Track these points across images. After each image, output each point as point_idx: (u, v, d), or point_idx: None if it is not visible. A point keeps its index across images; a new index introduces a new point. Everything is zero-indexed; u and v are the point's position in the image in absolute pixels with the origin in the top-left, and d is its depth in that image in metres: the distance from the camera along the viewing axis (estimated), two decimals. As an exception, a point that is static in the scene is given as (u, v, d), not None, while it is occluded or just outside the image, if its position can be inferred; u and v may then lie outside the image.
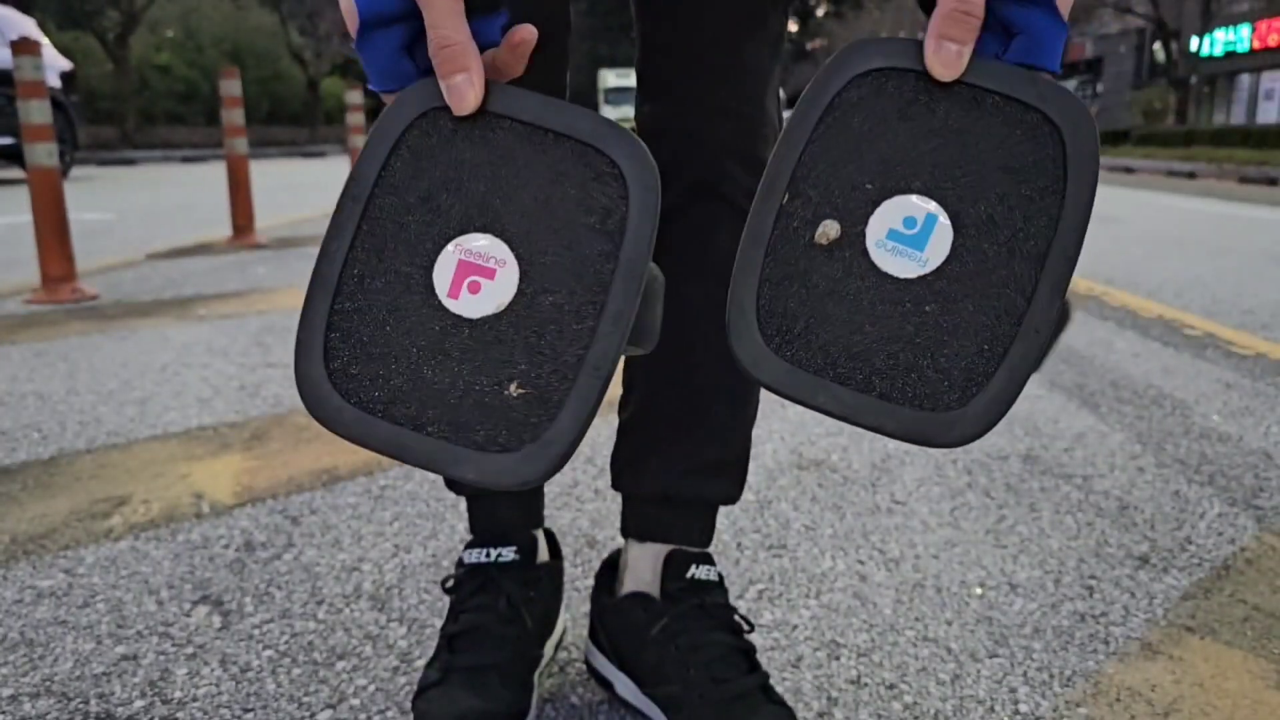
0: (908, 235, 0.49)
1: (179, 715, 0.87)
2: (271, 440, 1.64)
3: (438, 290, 0.49)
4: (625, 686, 0.88)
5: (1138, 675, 0.97)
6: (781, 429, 1.74)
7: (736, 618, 0.87)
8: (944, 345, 0.48)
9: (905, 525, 1.32)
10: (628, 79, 34.60)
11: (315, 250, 4.54)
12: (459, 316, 0.49)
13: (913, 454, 1.62)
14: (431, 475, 1.48)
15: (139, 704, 0.89)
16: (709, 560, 0.89)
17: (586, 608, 1.04)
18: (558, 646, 0.96)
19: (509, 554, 0.88)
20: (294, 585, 1.13)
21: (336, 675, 0.94)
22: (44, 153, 2.95)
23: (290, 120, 23.49)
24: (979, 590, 1.14)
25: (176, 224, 5.30)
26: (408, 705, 0.89)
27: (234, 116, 4.40)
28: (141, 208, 6.40)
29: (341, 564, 1.18)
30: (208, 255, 3.95)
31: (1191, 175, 13.08)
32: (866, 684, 0.94)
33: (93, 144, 14.30)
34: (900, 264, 0.49)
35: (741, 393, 0.88)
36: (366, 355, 0.49)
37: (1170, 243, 5.05)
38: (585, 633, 0.96)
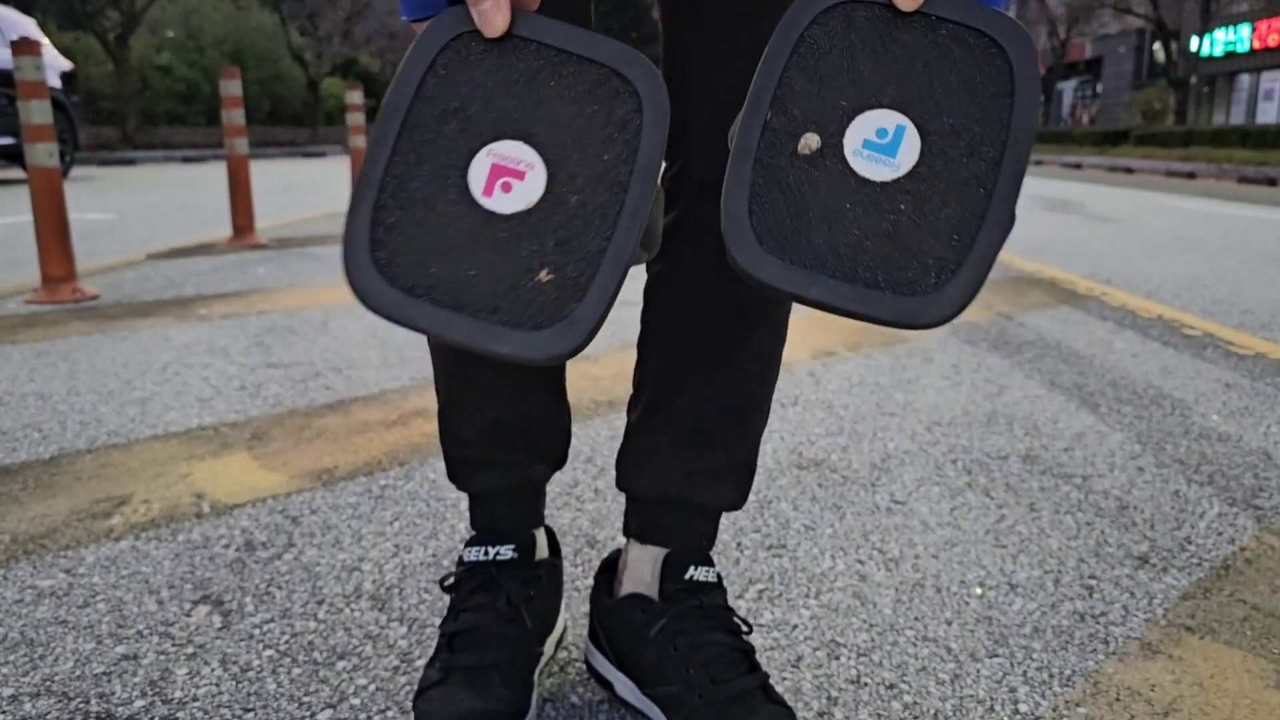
0: (881, 144, 0.55)
1: (179, 715, 0.88)
2: (272, 440, 1.64)
3: (473, 189, 0.55)
4: (625, 686, 0.89)
5: (1137, 675, 0.97)
6: (781, 429, 1.74)
7: (735, 619, 0.87)
8: (918, 238, 0.54)
9: (905, 525, 1.33)
10: None
11: (316, 250, 4.54)
12: (493, 212, 0.55)
13: (912, 454, 1.62)
14: (431, 475, 1.48)
15: (139, 704, 0.89)
16: (708, 561, 0.89)
17: (586, 607, 1.04)
18: (558, 645, 0.96)
19: (508, 552, 0.88)
20: (294, 585, 1.13)
21: (337, 675, 0.94)
22: (44, 153, 2.95)
23: (291, 120, 23.50)
24: (979, 590, 1.14)
25: (177, 224, 5.31)
26: (408, 705, 0.89)
27: (234, 117, 4.40)
28: (142, 208, 6.40)
29: (342, 564, 1.18)
30: (208, 255, 3.96)
31: (1191, 175, 13.08)
32: (866, 683, 0.95)
33: (93, 144, 14.30)
34: (876, 169, 0.55)
35: (754, 402, 0.88)
36: (408, 245, 0.55)
37: (1170, 243, 5.05)
38: (585, 632, 0.96)
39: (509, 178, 0.55)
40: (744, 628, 0.87)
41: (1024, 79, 0.56)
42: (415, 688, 0.84)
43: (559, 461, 0.91)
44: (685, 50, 0.82)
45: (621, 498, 1.38)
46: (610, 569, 0.93)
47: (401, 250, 0.55)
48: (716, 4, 0.78)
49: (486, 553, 0.88)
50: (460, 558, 0.90)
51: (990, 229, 0.54)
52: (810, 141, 0.56)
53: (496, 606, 0.85)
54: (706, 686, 0.81)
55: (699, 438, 0.87)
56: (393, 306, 0.54)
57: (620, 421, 1.76)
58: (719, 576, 0.89)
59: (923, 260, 0.54)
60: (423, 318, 0.55)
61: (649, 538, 0.89)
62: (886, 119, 0.56)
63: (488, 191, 0.55)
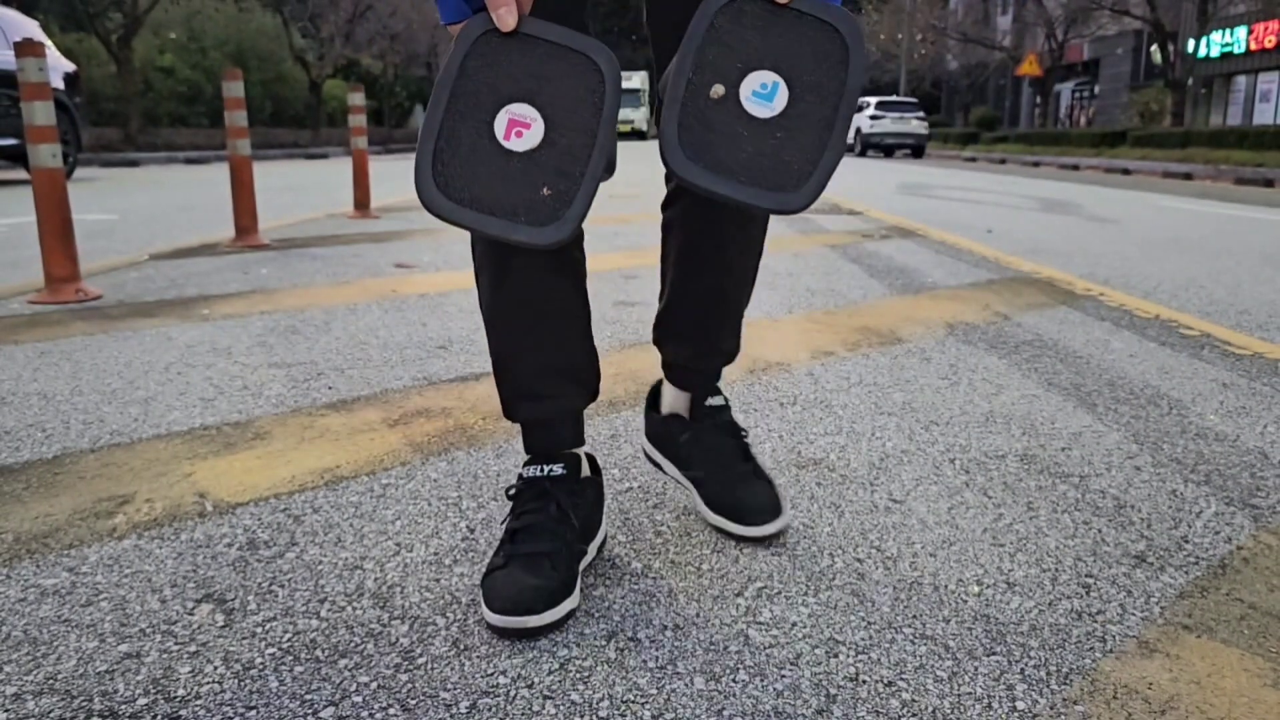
0: (763, 93, 0.88)
1: (182, 713, 0.88)
2: (274, 439, 1.65)
3: (497, 136, 0.87)
4: (670, 469, 1.35)
5: (1134, 673, 0.97)
6: (780, 429, 1.75)
7: (738, 428, 1.33)
8: (789, 154, 0.87)
9: (903, 524, 1.33)
10: (629, 82, 34.59)
11: (319, 251, 4.55)
12: (511, 151, 0.87)
13: (910, 453, 1.63)
14: (433, 475, 1.49)
15: (142, 702, 0.90)
16: (717, 391, 1.33)
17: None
18: (600, 548, 1.21)
19: (558, 470, 1.14)
20: (296, 583, 1.14)
21: (339, 673, 0.95)
22: (48, 154, 2.96)
23: (293, 122, 23.51)
24: (976, 588, 1.15)
25: (180, 225, 5.32)
26: (410, 703, 0.90)
27: (237, 118, 4.41)
28: (145, 209, 6.41)
29: (344, 562, 1.19)
30: (211, 256, 3.96)
31: (1188, 176, 13.06)
32: (865, 681, 0.95)
33: (96, 145, 14.31)
34: (760, 110, 0.87)
35: (733, 301, 1.29)
36: (457, 172, 0.86)
37: (1167, 244, 5.05)
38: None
39: (520, 128, 0.87)
40: (744, 431, 1.33)
41: (855, 52, 0.87)
42: (484, 571, 1.09)
43: (594, 394, 1.19)
44: (670, 54, 1.09)
45: (620, 497, 1.41)
46: (655, 395, 1.40)
47: (453, 175, 0.86)
48: (687, 20, 1.04)
49: (541, 470, 1.14)
50: (520, 475, 1.15)
51: (831, 152, 0.87)
52: (718, 90, 0.87)
53: (549, 510, 1.10)
54: (719, 470, 1.29)
55: (703, 324, 1.29)
56: (448, 210, 0.86)
57: (620, 421, 1.76)
58: (726, 398, 1.34)
59: (789, 170, 0.87)
60: (468, 219, 0.86)
61: (676, 384, 1.34)
62: (767, 76, 0.87)
63: (506, 137, 0.86)
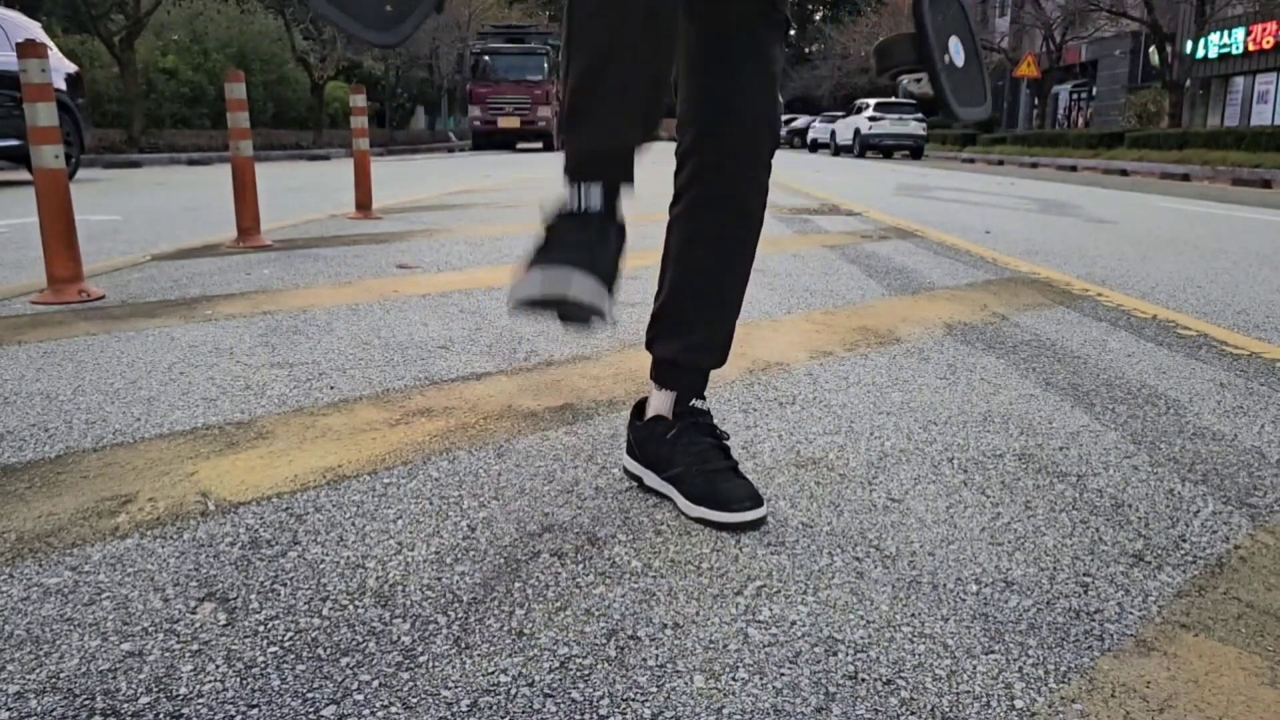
0: (955, 51, 1.27)
1: (184, 711, 0.89)
2: (277, 439, 1.66)
3: None
4: (650, 478, 1.41)
5: (1132, 671, 0.98)
6: (779, 428, 1.75)
7: (718, 430, 1.40)
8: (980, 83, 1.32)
9: (902, 523, 1.34)
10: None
11: (321, 251, 4.54)
12: None
13: (909, 453, 1.63)
14: (434, 474, 1.49)
15: (144, 700, 0.90)
16: (702, 396, 1.40)
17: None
18: (618, 277, 1.13)
19: (597, 206, 1.13)
20: (299, 582, 1.14)
21: (341, 671, 0.96)
22: (51, 155, 2.97)
23: (295, 123, 23.50)
24: (975, 587, 1.15)
25: (183, 225, 5.32)
26: (412, 700, 0.91)
27: (239, 119, 4.42)
28: (148, 209, 6.42)
29: (346, 561, 1.20)
30: (214, 256, 3.97)
31: (1186, 178, 13.06)
32: (864, 679, 0.96)
33: (99, 147, 14.32)
34: (959, 59, 1.30)
35: (729, 301, 1.37)
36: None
37: (1164, 244, 5.05)
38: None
39: None
40: (725, 434, 1.40)
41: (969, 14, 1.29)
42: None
43: (651, 133, 1.13)
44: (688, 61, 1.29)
45: (620, 496, 1.41)
46: (640, 409, 1.45)
47: None
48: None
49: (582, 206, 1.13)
50: (559, 211, 1.13)
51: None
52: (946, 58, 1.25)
53: (589, 228, 1.09)
54: (699, 467, 1.34)
55: (699, 319, 1.36)
56: (321, 6, 1.10)
57: (620, 421, 1.77)
58: (707, 404, 1.41)
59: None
60: (332, 14, 1.11)
61: (664, 385, 1.40)
62: (954, 41, 1.28)
63: None
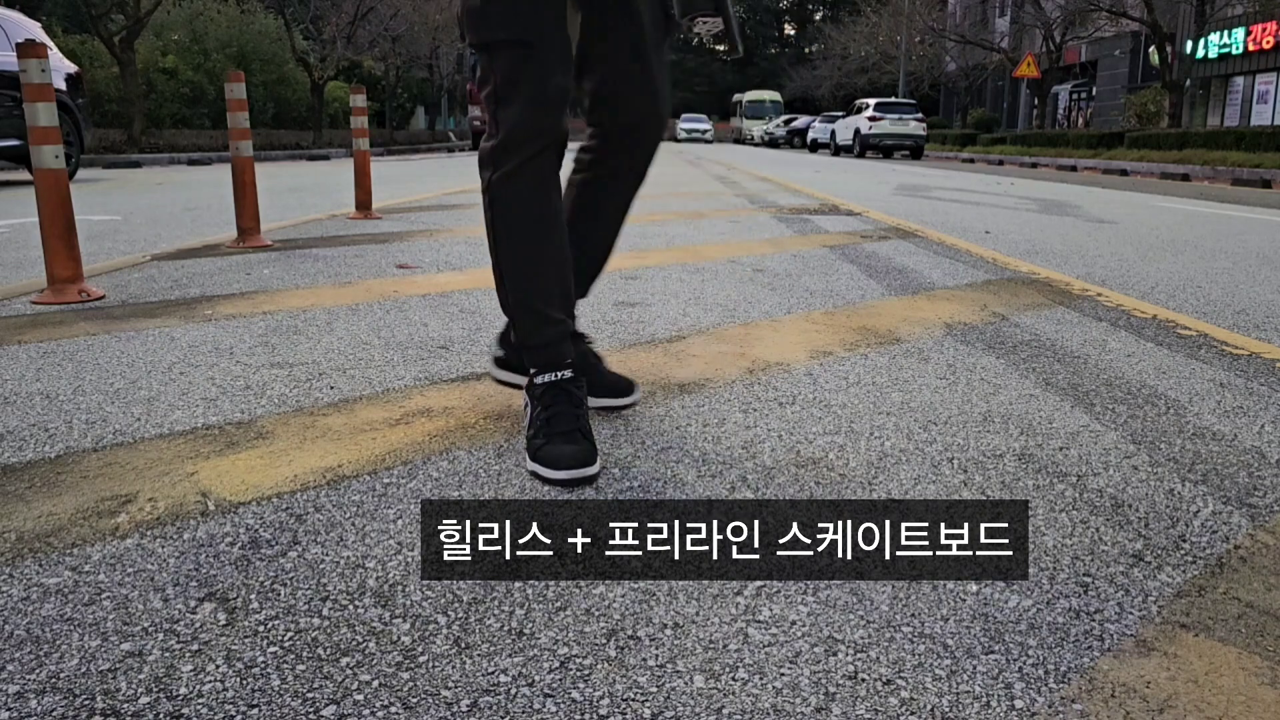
0: None
1: (184, 711, 0.89)
2: (277, 439, 1.66)
3: None
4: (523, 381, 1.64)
5: (1132, 672, 0.98)
6: (780, 428, 1.75)
7: (585, 336, 1.76)
8: None
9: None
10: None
11: (321, 251, 4.54)
12: None
13: (908, 453, 1.63)
14: (434, 474, 1.49)
15: (144, 700, 0.91)
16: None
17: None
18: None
19: (568, 373, 1.53)
20: (299, 582, 1.14)
21: (341, 671, 0.96)
22: (51, 155, 2.97)
23: (295, 124, 23.51)
24: (974, 587, 1.15)
25: (183, 225, 5.33)
26: (412, 701, 0.91)
27: (239, 119, 4.42)
28: (148, 209, 6.42)
29: (346, 561, 1.20)
30: (214, 256, 3.97)
31: (1185, 178, 13.05)
32: (864, 679, 0.96)
33: (99, 147, 14.32)
34: None
35: (605, 257, 1.78)
36: None
37: (1164, 244, 5.05)
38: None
39: None
40: (589, 339, 1.79)
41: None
42: (530, 450, 1.48)
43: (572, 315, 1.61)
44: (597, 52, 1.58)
45: (620, 496, 1.41)
46: (505, 334, 1.76)
47: None
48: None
49: (556, 376, 1.52)
50: (535, 381, 1.53)
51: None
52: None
53: (571, 401, 1.50)
54: (583, 367, 1.63)
55: (590, 271, 1.77)
56: None
57: (620, 420, 1.77)
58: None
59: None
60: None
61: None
62: None
63: None
